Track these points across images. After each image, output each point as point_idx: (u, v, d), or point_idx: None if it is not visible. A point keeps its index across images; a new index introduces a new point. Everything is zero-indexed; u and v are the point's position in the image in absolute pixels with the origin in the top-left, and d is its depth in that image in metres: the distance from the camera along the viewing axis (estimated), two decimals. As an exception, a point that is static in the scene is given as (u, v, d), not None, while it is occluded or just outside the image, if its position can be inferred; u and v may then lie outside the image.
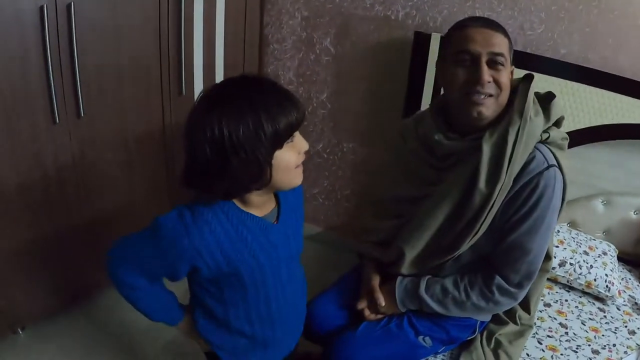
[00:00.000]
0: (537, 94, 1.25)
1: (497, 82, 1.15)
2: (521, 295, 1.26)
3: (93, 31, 1.58)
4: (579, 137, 1.93)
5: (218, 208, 1.00)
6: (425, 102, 2.11)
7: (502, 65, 1.14)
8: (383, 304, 1.33)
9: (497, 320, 1.43)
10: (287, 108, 0.94)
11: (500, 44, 1.14)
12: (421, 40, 2.05)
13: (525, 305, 1.45)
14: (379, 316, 1.36)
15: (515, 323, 1.43)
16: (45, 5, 1.39)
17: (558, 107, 1.24)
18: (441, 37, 1.98)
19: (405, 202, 1.36)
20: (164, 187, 2.06)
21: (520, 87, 1.21)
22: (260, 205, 1.05)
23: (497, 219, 1.20)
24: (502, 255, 1.22)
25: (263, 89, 0.94)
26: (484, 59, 1.13)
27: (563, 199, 1.24)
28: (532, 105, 1.19)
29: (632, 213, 2.01)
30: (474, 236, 1.20)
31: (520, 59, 1.79)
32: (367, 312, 1.36)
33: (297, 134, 0.99)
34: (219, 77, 2.10)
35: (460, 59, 1.15)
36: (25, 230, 1.63)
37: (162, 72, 1.85)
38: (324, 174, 2.59)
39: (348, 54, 2.32)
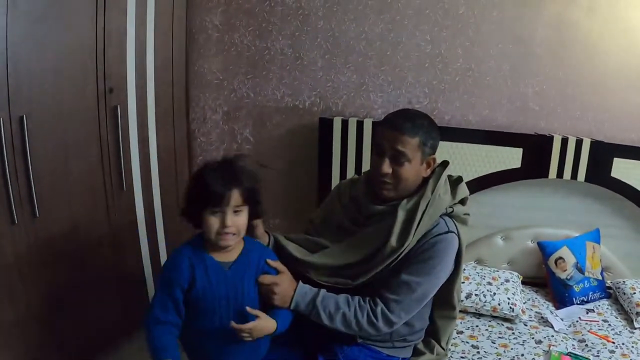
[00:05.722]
0: (449, 176, 1.54)
1: (395, 174, 1.42)
2: (398, 324, 1.44)
3: (44, 139, 1.77)
4: (471, 187, 2.20)
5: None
6: (335, 176, 2.40)
7: (403, 161, 1.41)
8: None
9: (415, 352, 1.64)
10: (219, 182, 1.28)
11: (405, 143, 1.39)
12: (325, 124, 2.38)
13: (439, 342, 1.66)
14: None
15: (432, 353, 1.64)
16: (0, 117, 1.59)
17: (463, 189, 1.54)
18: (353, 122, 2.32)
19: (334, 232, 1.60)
20: (113, 280, 2.19)
21: (436, 170, 1.50)
22: (220, 252, 1.36)
23: (397, 264, 1.46)
24: (392, 289, 1.43)
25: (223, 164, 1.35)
26: (387, 154, 1.41)
27: (458, 262, 1.50)
28: (442, 186, 1.47)
29: (529, 242, 2.35)
30: (374, 274, 1.45)
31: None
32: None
33: (229, 210, 1.30)
34: (154, 171, 2.33)
35: (375, 148, 1.47)
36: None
37: (105, 172, 2.07)
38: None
39: (265, 141, 2.62)
